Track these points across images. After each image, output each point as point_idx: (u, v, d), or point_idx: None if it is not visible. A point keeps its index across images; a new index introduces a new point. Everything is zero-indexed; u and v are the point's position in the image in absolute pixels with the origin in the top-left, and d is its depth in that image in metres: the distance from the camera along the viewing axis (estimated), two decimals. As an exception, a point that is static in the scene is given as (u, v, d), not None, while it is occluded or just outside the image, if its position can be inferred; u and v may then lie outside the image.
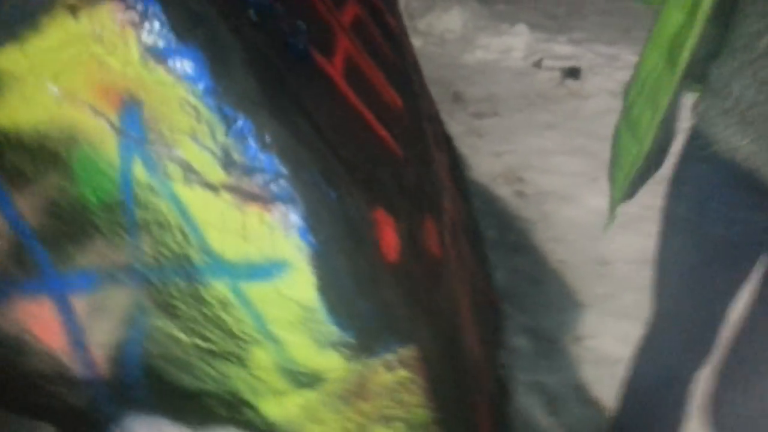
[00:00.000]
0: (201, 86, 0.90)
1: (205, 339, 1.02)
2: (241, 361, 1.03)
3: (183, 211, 0.95)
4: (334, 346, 1.02)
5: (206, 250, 0.96)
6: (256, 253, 0.96)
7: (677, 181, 1.29)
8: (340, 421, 1.09)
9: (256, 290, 0.98)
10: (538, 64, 4.44)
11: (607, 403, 1.86)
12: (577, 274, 2.47)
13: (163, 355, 1.03)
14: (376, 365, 1.07)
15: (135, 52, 0.88)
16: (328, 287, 0.99)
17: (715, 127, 1.17)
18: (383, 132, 1.32)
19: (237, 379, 1.05)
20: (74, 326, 1.02)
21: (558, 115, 3.81)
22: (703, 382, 1.40)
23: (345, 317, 1.01)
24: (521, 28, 4.73)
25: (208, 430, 1.08)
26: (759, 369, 1.24)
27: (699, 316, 1.33)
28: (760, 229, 1.19)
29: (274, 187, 0.94)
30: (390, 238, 1.14)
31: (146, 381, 1.06)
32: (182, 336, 1.02)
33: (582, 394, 1.94)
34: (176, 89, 0.90)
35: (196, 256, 0.97)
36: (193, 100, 0.90)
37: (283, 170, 0.95)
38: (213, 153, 0.93)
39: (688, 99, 1.25)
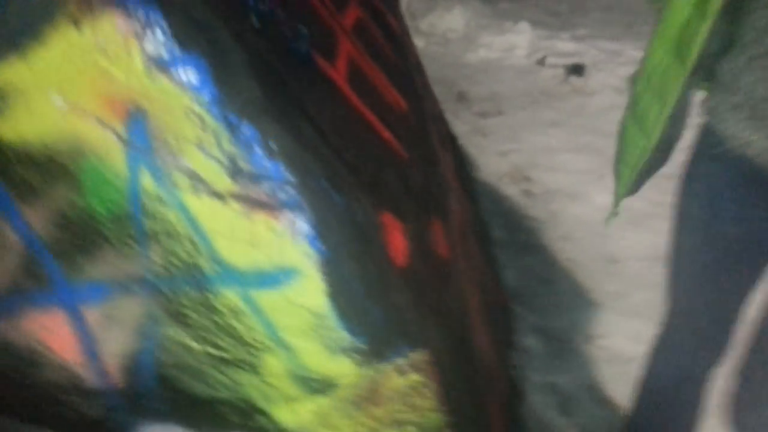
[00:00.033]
0: (205, 95, 0.90)
1: (217, 347, 1.02)
2: (253, 369, 1.03)
3: (191, 221, 0.95)
4: (346, 351, 1.01)
5: (216, 259, 0.96)
6: (265, 260, 0.96)
7: (689, 179, 1.28)
8: (353, 426, 1.08)
9: (267, 298, 0.98)
10: (541, 62, 4.42)
11: (620, 403, 1.84)
12: (587, 273, 2.46)
13: (176, 363, 1.03)
14: (387, 370, 1.06)
15: (138, 62, 0.88)
16: (337, 293, 0.99)
17: (726, 122, 1.16)
18: (388, 134, 1.32)
19: (249, 387, 1.05)
20: (87, 337, 1.02)
21: (563, 112, 3.80)
22: (721, 382, 1.39)
23: (355, 323, 1.01)
24: (524, 26, 4.71)
25: (222, 437, 1.08)
26: None
27: (713, 314, 1.32)
28: None
29: (281, 195, 0.94)
30: (398, 242, 1.13)
31: (159, 389, 1.06)
32: (194, 344, 1.02)
33: (595, 394, 1.93)
34: (181, 98, 0.90)
35: (206, 265, 0.97)
36: (197, 108, 0.90)
37: (290, 177, 0.94)
38: (219, 161, 0.93)
39: (698, 96, 1.24)
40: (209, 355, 1.02)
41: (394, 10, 2.01)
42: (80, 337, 1.02)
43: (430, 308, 1.21)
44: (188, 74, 0.89)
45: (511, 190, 3.01)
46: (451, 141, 2.38)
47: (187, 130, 0.91)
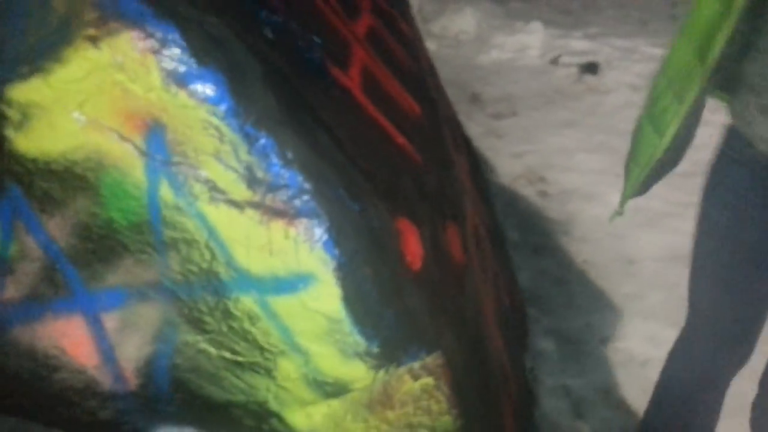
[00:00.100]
0: (222, 107, 0.92)
1: (233, 351, 1.04)
2: (268, 373, 1.05)
3: (209, 229, 0.97)
4: (360, 356, 1.03)
5: (233, 266, 0.98)
6: (282, 267, 0.98)
7: (714, 184, 1.27)
8: (366, 429, 1.09)
9: (283, 303, 1.00)
10: (555, 61, 4.41)
11: (635, 406, 1.84)
12: (602, 274, 2.45)
13: (192, 367, 1.05)
14: (401, 374, 1.08)
15: (157, 78, 0.91)
16: (353, 299, 1.00)
17: (754, 125, 1.14)
18: (402, 140, 1.33)
19: (264, 390, 1.06)
20: (104, 342, 1.05)
21: (577, 111, 3.79)
22: (743, 389, 1.38)
23: (370, 328, 1.02)
24: (536, 26, 4.70)
25: (237, 441, 1.10)
26: None
27: (734, 320, 1.31)
28: None
29: (297, 203, 0.96)
30: (414, 247, 1.14)
31: (174, 393, 1.08)
32: (210, 349, 1.04)
33: (609, 397, 1.92)
34: (198, 112, 0.92)
35: (223, 272, 0.98)
36: (215, 121, 0.92)
37: (306, 185, 0.96)
38: (237, 171, 0.95)
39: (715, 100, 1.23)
40: (225, 359, 1.04)
41: (406, 15, 2.02)
42: (98, 342, 1.04)
43: (444, 312, 1.21)
44: (205, 88, 0.91)
45: (526, 192, 3.01)
46: (465, 143, 2.38)
47: (205, 141, 0.94)
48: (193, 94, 0.91)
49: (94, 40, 0.89)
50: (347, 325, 1.00)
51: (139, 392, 1.05)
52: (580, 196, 2.96)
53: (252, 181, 0.95)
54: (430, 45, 3.38)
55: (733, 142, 1.20)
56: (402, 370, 1.07)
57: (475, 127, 3.43)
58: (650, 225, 2.73)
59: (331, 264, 0.98)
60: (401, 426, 1.09)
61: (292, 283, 0.99)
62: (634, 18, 5.17)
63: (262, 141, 0.94)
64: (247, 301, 1.00)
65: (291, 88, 1.01)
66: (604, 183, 3.00)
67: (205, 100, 0.92)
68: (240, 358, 1.03)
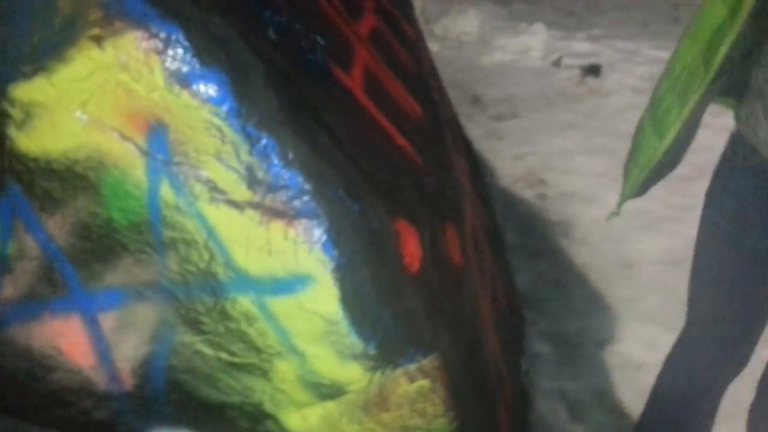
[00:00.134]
0: (225, 108, 0.92)
1: (230, 352, 1.04)
2: (264, 374, 1.05)
3: (209, 230, 0.97)
4: (357, 358, 1.03)
5: (231, 267, 0.98)
6: (281, 268, 0.98)
7: (717, 189, 1.26)
8: (361, 431, 1.10)
9: (280, 304, 1.00)
10: (557, 63, 4.40)
11: (630, 410, 1.84)
12: (600, 277, 2.46)
13: (188, 368, 1.06)
14: (397, 376, 1.08)
15: (160, 78, 0.91)
16: (350, 300, 1.00)
17: (759, 131, 1.13)
18: (403, 141, 1.33)
19: (260, 392, 1.07)
20: (101, 342, 1.05)
21: (579, 114, 3.78)
22: (739, 392, 1.39)
23: (367, 329, 1.02)
24: (538, 27, 4.70)
25: (232, 441, 1.10)
26: None
27: (734, 327, 1.31)
28: None
29: (297, 204, 0.96)
30: (412, 249, 1.14)
31: (171, 394, 1.08)
32: (207, 350, 1.04)
33: (605, 401, 1.93)
34: (201, 112, 0.92)
35: (221, 273, 0.99)
36: (217, 121, 0.92)
37: (306, 186, 0.96)
38: (238, 172, 0.95)
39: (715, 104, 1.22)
40: (221, 360, 1.04)
41: (409, 16, 2.02)
42: (94, 342, 1.04)
43: (441, 314, 1.22)
44: (208, 89, 0.91)
45: (525, 194, 3.01)
46: (465, 145, 2.38)
47: (207, 142, 0.94)
48: (195, 95, 0.91)
49: (98, 40, 0.89)
50: (344, 326, 1.00)
51: (135, 393, 1.05)
52: (580, 198, 2.96)
53: (252, 182, 0.95)
54: (433, 46, 3.38)
55: (738, 148, 1.19)
56: (398, 372, 1.07)
57: (476, 129, 3.43)
58: (649, 228, 2.73)
59: (330, 265, 0.98)
60: (396, 428, 1.10)
61: (290, 284, 0.99)
62: (637, 20, 5.17)
63: (264, 142, 0.94)
64: (244, 302, 1.00)
65: (293, 88, 1.01)
66: (604, 186, 3.00)
67: (208, 100, 0.92)
68: (236, 359, 1.03)
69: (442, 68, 2.24)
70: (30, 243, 1.01)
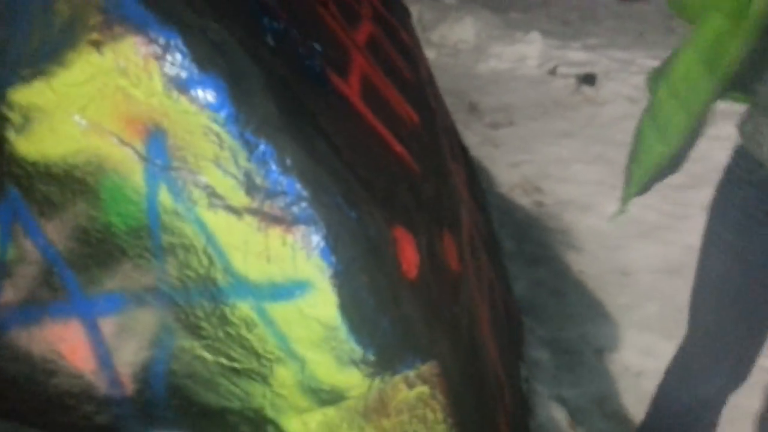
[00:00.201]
0: (223, 114, 0.92)
1: (229, 358, 1.04)
2: (264, 380, 1.05)
3: (208, 235, 0.97)
4: (356, 364, 1.03)
5: (230, 272, 0.98)
6: (279, 274, 0.98)
7: (721, 202, 1.26)
8: (362, 437, 1.09)
9: (280, 310, 1.00)
10: (552, 72, 4.44)
11: (629, 417, 1.84)
12: (598, 285, 2.46)
13: (188, 373, 1.05)
14: (396, 382, 1.08)
15: (158, 84, 0.91)
16: (349, 306, 1.00)
17: (765, 146, 1.13)
18: (400, 149, 1.34)
19: (260, 397, 1.06)
20: (101, 346, 1.05)
21: (574, 122, 3.81)
22: (739, 401, 1.38)
23: (366, 335, 1.02)
24: (534, 36, 4.73)
25: (232, 448, 1.09)
26: None
27: (736, 340, 1.30)
28: None
29: (295, 210, 0.96)
30: (410, 255, 1.15)
31: (171, 399, 1.07)
32: (207, 355, 1.04)
33: (604, 408, 1.93)
34: (199, 117, 0.93)
35: (220, 278, 0.99)
36: (215, 127, 0.93)
37: (304, 193, 0.96)
38: (236, 178, 0.95)
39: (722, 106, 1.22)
40: (221, 365, 1.04)
41: (406, 24, 2.03)
42: (95, 346, 1.04)
43: (439, 321, 1.22)
44: (206, 94, 0.92)
45: (522, 202, 3.02)
46: (462, 152, 2.39)
47: (205, 147, 0.94)
48: (194, 100, 0.92)
49: (97, 45, 0.90)
50: (343, 332, 1.00)
51: (136, 398, 1.05)
52: (576, 206, 2.97)
53: (250, 188, 0.95)
54: (430, 54, 3.40)
55: (742, 162, 1.19)
56: (397, 378, 1.07)
57: (472, 137, 3.44)
58: (645, 236, 2.74)
59: (328, 271, 0.98)
60: (396, 434, 1.09)
61: (289, 290, 0.99)
62: (632, 30, 5.21)
63: (262, 148, 0.94)
64: (244, 308, 1.00)
65: (291, 95, 1.01)
66: (600, 194, 3.02)
67: (206, 106, 0.92)
68: (236, 365, 1.03)
69: (438, 76, 2.26)
70: (29, 247, 1.01)
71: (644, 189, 1.28)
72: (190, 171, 0.94)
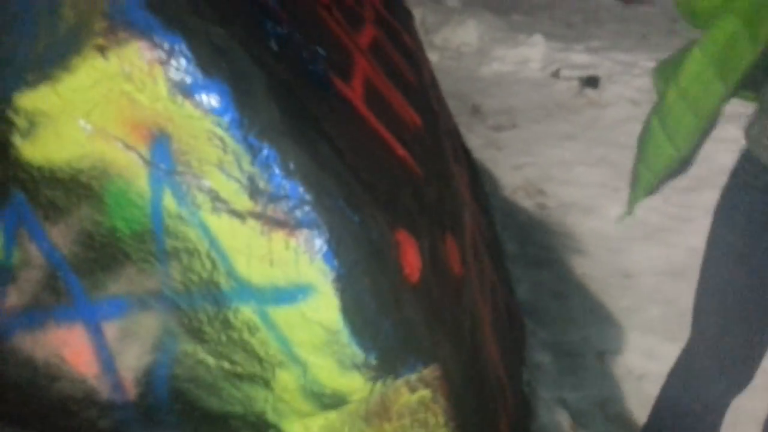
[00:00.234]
0: (227, 118, 0.93)
1: (232, 362, 1.04)
2: (266, 384, 1.05)
3: (211, 239, 0.97)
4: (358, 367, 1.03)
5: (234, 276, 0.99)
6: (282, 277, 0.98)
7: (727, 207, 1.25)
8: (363, 441, 1.09)
9: (282, 314, 1.00)
10: (555, 74, 4.43)
11: (632, 420, 1.84)
12: (600, 288, 2.46)
13: (191, 378, 1.06)
14: (398, 386, 1.08)
15: (163, 88, 0.91)
16: (351, 310, 1.00)
17: None
18: (403, 152, 1.34)
19: (262, 401, 1.06)
20: (104, 351, 1.05)
21: (577, 125, 3.81)
22: (741, 403, 1.38)
23: (368, 339, 1.02)
24: (537, 39, 4.73)
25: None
26: None
27: (739, 345, 1.29)
28: None
29: (298, 214, 0.96)
30: (412, 259, 1.15)
31: (174, 403, 1.08)
32: (210, 359, 1.04)
33: (606, 411, 1.92)
34: (203, 122, 0.93)
35: (223, 282, 0.99)
36: (219, 132, 0.93)
37: (307, 197, 0.97)
38: (239, 182, 0.95)
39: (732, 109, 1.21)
40: (223, 369, 1.04)
41: (409, 27, 2.03)
42: (98, 351, 1.05)
43: (441, 324, 1.22)
44: (211, 99, 0.92)
45: (525, 204, 3.02)
46: (465, 155, 2.39)
47: (209, 151, 0.94)
48: (198, 105, 0.92)
49: (102, 50, 0.90)
50: (345, 336, 1.00)
51: (139, 402, 1.05)
52: (579, 209, 2.97)
53: (254, 192, 0.96)
54: (432, 56, 3.40)
55: (749, 166, 1.18)
56: (399, 382, 1.07)
57: (475, 139, 3.45)
58: (648, 239, 2.74)
59: (331, 275, 0.98)
60: (398, 438, 1.09)
61: (291, 294, 0.99)
62: (635, 32, 5.21)
63: (265, 152, 0.95)
64: (246, 312, 1.00)
65: (295, 99, 1.02)
66: (602, 196, 3.02)
67: (210, 110, 0.92)
68: (239, 369, 1.03)
69: (441, 78, 2.26)
70: (34, 252, 1.01)
71: (652, 191, 1.28)
72: (194, 175, 0.95)
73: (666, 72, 1.21)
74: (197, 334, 1.02)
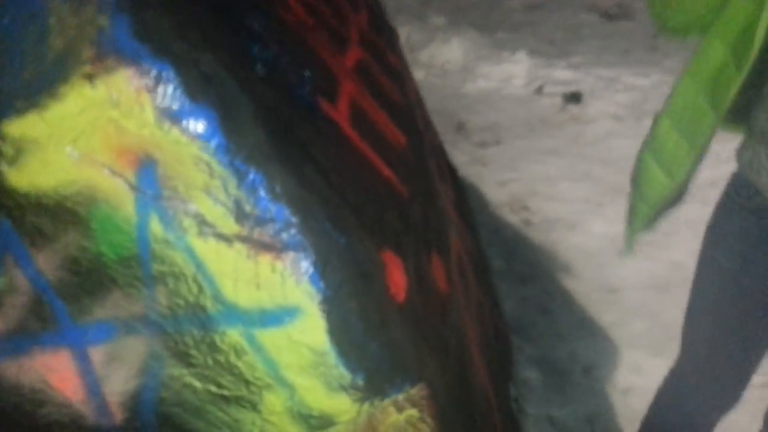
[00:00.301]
0: (214, 144, 0.94)
1: (219, 385, 1.04)
2: (254, 407, 1.05)
3: (198, 263, 0.98)
4: (345, 389, 1.03)
5: (220, 299, 0.99)
6: (269, 300, 0.99)
7: (718, 227, 1.25)
8: (352, 462, 1.09)
9: (269, 336, 1.01)
10: (539, 91, 4.48)
11: (619, 435, 1.85)
12: (586, 303, 2.48)
13: (178, 401, 1.05)
14: (386, 406, 1.08)
15: (150, 115, 0.92)
16: (338, 331, 1.01)
17: (763, 174, 1.13)
18: (388, 172, 1.35)
19: (250, 424, 1.06)
20: (90, 375, 1.04)
21: (561, 140, 3.85)
22: (730, 418, 1.39)
23: (355, 360, 1.03)
24: (521, 56, 4.78)
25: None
26: None
27: (729, 367, 1.30)
28: None
29: (285, 236, 0.97)
30: (398, 279, 1.16)
31: (161, 428, 1.07)
32: (196, 383, 1.04)
33: (594, 426, 1.93)
34: (190, 148, 0.94)
35: (210, 306, 0.99)
36: (206, 157, 0.94)
37: (294, 219, 0.97)
38: (226, 206, 0.96)
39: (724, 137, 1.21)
40: (210, 393, 1.04)
41: (394, 46, 2.06)
42: (84, 375, 1.04)
43: (427, 343, 1.22)
44: (197, 125, 0.93)
45: (510, 220, 3.04)
46: (450, 172, 2.41)
47: (196, 176, 0.95)
48: (185, 131, 0.93)
49: (90, 78, 0.91)
50: (332, 357, 1.01)
51: (126, 426, 1.05)
52: (564, 224, 3.00)
53: (240, 215, 0.96)
54: (418, 74, 3.44)
55: (741, 189, 1.19)
56: (387, 402, 1.07)
57: (460, 156, 3.47)
58: (632, 253, 2.77)
59: (317, 297, 0.99)
60: (386, 458, 1.10)
61: (278, 317, 1.00)
62: (617, 48, 5.28)
63: (251, 176, 0.95)
64: (233, 335, 1.00)
65: (281, 123, 1.03)
66: (587, 212, 3.05)
67: (197, 136, 0.93)
68: (226, 392, 1.03)
69: (426, 96, 2.29)
70: (20, 277, 1.01)
71: (650, 224, 1.27)
72: (180, 200, 0.95)
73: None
74: (184, 358, 1.02)
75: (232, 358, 1.01)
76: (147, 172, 0.95)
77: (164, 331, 1.01)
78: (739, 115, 1.16)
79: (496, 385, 1.74)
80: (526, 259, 2.74)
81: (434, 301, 1.35)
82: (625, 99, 4.14)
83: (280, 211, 0.97)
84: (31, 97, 0.93)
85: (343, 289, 1.01)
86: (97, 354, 1.02)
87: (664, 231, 2.93)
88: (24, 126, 0.94)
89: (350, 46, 1.59)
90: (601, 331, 2.33)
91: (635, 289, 2.57)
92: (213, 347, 1.01)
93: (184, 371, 1.02)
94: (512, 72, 4.66)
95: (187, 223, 0.96)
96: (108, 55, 0.90)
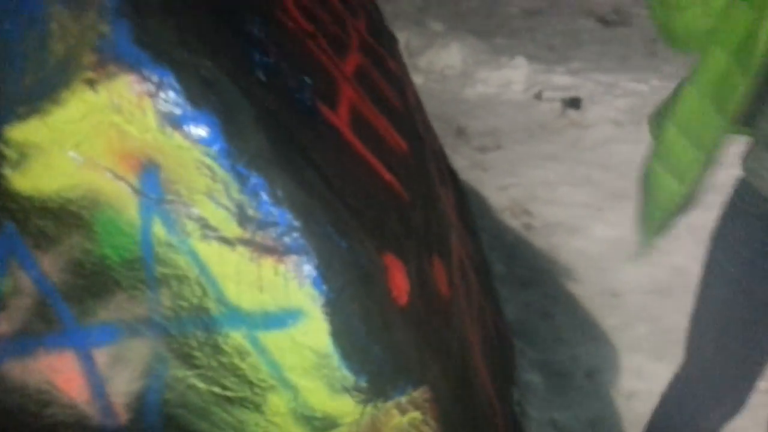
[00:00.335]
0: (216, 148, 0.95)
1: (223, 387, 1.05)
2: (257, 408, 1.05)
3: (201, 266, 0.99)
4: (348, 391, 1.04)
5: (223, 302, 1.00)
6: (272, 303, 1.00)
7: (724, 234, 1.25)
8: (355, 464, 1.10)
9: (272, 339, 1.01)
10: (538, 96, 4.49)
11: (622, 438, 1.85)
12: (587, 307, 2.48)
13: (181, 403, 1.06)
14: (389, 408, 1.09)
15: (152, 120, 0.93)
16: (341, 334, 1.02)
17: (765, 181, 1.13)
18: (389, 177, 1.36)
19: (254, 426, 1.07)
20: (95, 377, 1.05)
21: (560, 145, 3.86)
22: (732, 424, 1.38)
23: (358, 362, 1.03)
24: (520, 61, 4.80)
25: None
26: None
27: (734, 373, 1.30)
28: None
29: (287, 240, 0.98)
30: (400, 282, 1.16)
31: (165, 429, 1.08)
32: (200, 384, 1.05)
33: (596, 430, 1.93)
34: (192, 152, 0.95)
35: (213, 308, 1.00)
36: (208, 161, 0.95)
37: (296, 223, 0.98)
38: (228, 209, 0.97)
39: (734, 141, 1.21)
40: (214, 394, 1.05)
41: (394, 52, 2.07)
42: (89, 377, 1.05)
43: (430, 346, 1.23)
44: (200, 130, 0.94)
45: (511, 224, 3.05)
46: (451, 176, 2.42)
47: (198, 180, 0.96)
48: (187, 136, 0.94)
49: (91, 83, 0.92)
50: (335, 359, 1.02)
51: (130, 427, 1.05)
52: (565, 229, 3.00)
53: (243, 219, 0.97)
54: (417, 79, 3.45)
55: (747, 196, 1.19)
56: (390, 404, 1.08)
57: (460, 160, 3.48)
58: (633, 258, 2.77)
59: (320, 300, 1.00)
60: (389, 460, 1.10)
61: (281, 319, 1.00)
62: (615, 54, 5.30)
63: (253, 180, 0.96)
64: (236, 337, 1.01)
65: (282, 128, 1.04)
66: (587, 216, 3.06)
67: (199, 141, 0.94)
68: (229, 394, 1.04)
69: (426, 101, 2.30)
70: (24, 280, 1.02)
71: (664, 230, 1.26)
72: (183, 204, 0.96)
73: (660, 119, 1.21)
74: (188, 360, 1.03)
75: (236, 360, 1.02)
76: (150, 176, 0.96)
77: (168, 333, 1.01)
78: (745, 121, 1.16)
79: (499, 389, 1.75)
80: (528, 264, 2.75)
81: (436, 304, 1.36)
82: (624, 104, 4.15)
83: (283, 214, 0.98)
84: (33, 103, 0.94)
85: (345, 292, 1.02)
86: (101, 355, 1.03)
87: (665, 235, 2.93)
88: (27, 131, 0.95)
89: (350, 52, 1.60)
90: (603, 335, 2.33)
91: (637, 293, 2.57)
92: (217, 349, 1.02)
93: (188, 373, 1.03)
94: (511, 77, 4.67)
95: (191, 226, 0.97)
96: (109, 61, 0.91)
